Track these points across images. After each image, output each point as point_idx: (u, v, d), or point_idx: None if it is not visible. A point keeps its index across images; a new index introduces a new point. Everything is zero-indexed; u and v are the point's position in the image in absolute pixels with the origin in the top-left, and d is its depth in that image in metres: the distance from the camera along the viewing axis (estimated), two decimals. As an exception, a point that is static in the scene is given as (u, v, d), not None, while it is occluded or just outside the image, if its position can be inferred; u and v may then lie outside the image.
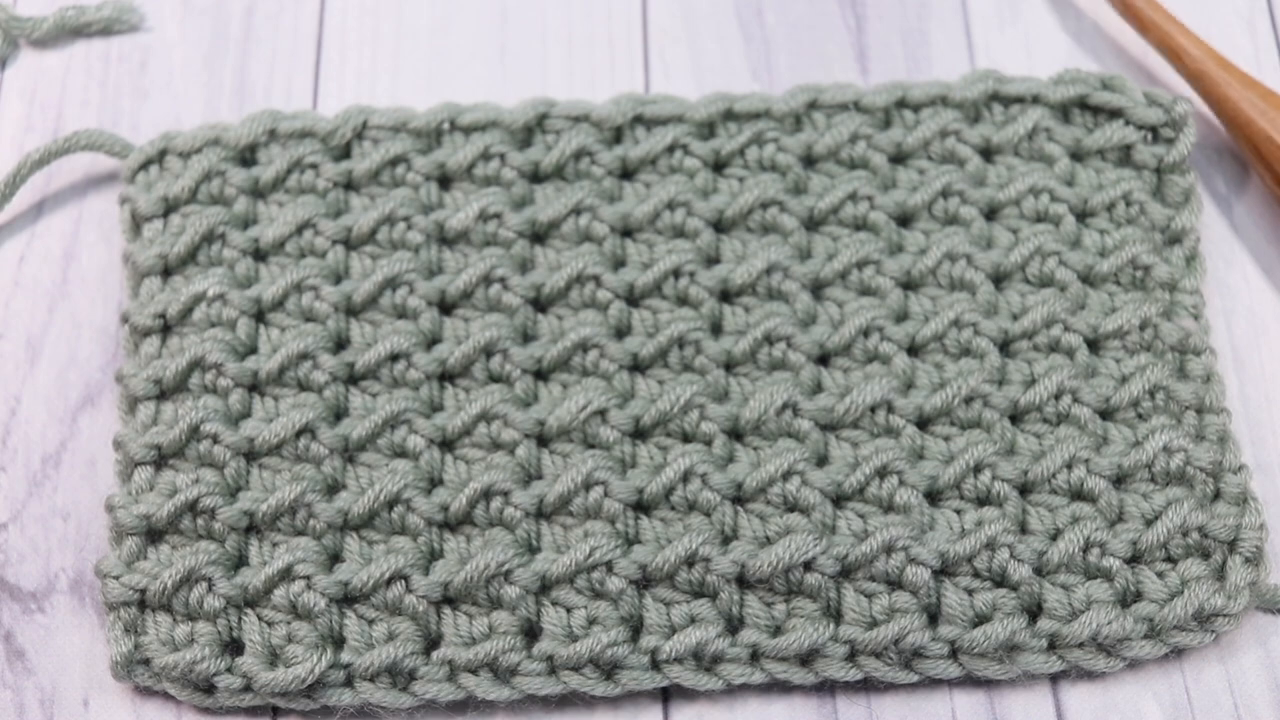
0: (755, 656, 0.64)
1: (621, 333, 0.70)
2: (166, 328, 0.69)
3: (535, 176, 0.73)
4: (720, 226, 0.72)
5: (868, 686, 0.65)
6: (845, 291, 0.71)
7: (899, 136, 0.74)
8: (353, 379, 0.69)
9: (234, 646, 0.65)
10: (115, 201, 0.75)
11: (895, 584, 0.65)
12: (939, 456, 0.67)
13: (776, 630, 0.64)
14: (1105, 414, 0.68)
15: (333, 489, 0.66)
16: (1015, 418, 0.68)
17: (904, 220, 0.72)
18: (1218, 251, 0.75)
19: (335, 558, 0.65)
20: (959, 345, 0.69)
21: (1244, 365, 0.72)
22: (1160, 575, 0.65)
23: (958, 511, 0.66)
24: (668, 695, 0.65)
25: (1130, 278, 0.71)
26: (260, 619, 0.64)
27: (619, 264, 0.71)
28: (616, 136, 0.74)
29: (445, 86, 0.79)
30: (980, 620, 0.64)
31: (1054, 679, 0.66)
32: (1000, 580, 0.65)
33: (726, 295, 0.71)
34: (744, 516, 0.66)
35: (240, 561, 0.65)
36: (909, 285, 0.71)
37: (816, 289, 0.71)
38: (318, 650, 0.64)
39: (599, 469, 0.66)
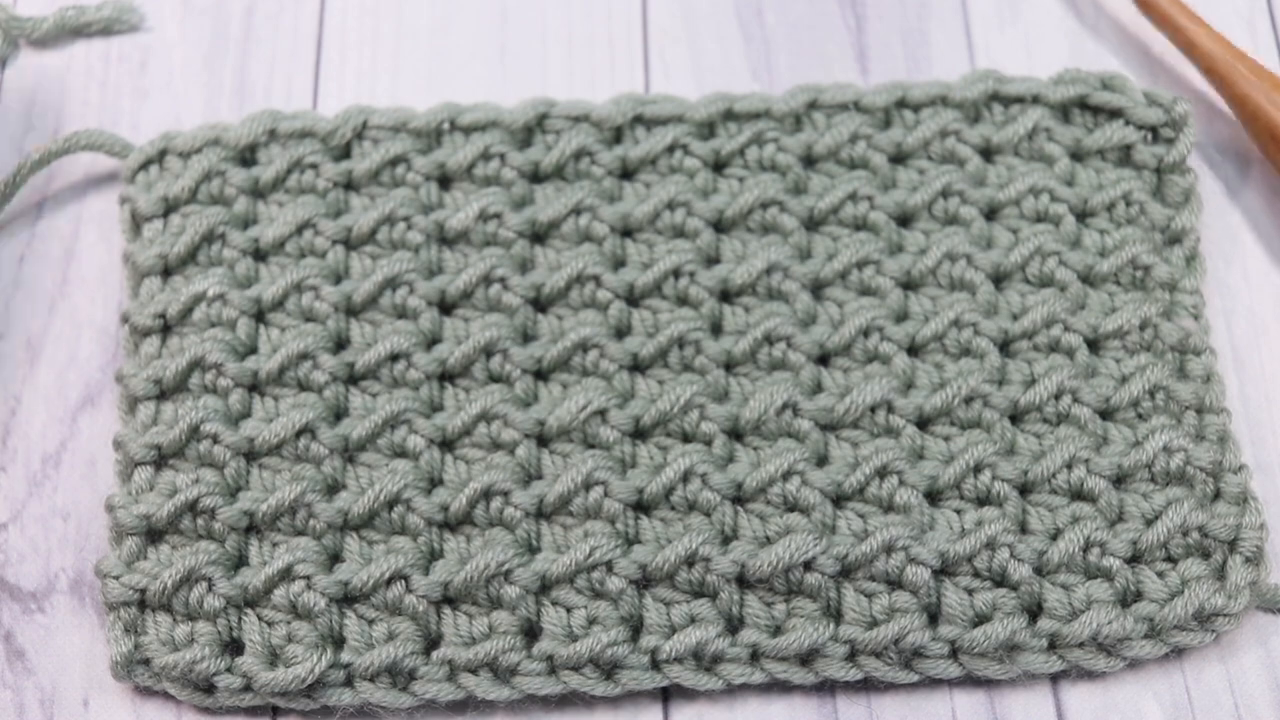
0: (755, 656, 0.64)
1: (621, 333, 0.70)
2: (166, 328, 0.69)
3: (535, 176, 0.73)
4: (720, 226, 0.72)
5: (868, 686, 0.65)
6: (845, 291, 0.71)
7: (899, 136, 0.74)
8: (353, 379, 0.69)
9: (234, 646, 0.65)
10: (115, 201, 0.75)
11: (895, 584, 0.64)
12: (939, 456, 0.67)
13: (776, 630, 0.64)
14: (1105, 414, 0.68)
15: (333, 489, 0.66)
16: (1015, 418, 0.68)
17: (904, 220, 0.72)
18: (1218, 251, 0.75)
19: (335, 558, 0.65)
20: (959, 345, 0.69)
21: (1244, 365, 0.72)
22: (1160, 575, 0.65)
23: (958, 511, 0.66)
24: (668, 695, 0.65)
25: (1130, 278, 0.71)
26: (260, 619, 0.64)
27: (619, 264, 0.71)
28: (616, 136, 0.74)
29: (445, 86, 0.79)
30: (980, 620, 0.64)
31: (1054, 679, 0.66)
32: (1000, 580, 0.65)
33: (726, 295, 0.71)
34: (744, 516, 0.66)
35: (240, 561, 0.65)
36: (909, 285, 0.71)
37: (816, 289, 0.71)
38: (318, 650, 0.64)
39: (599, 469, 0.66)
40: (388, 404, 0.67)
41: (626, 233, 0.72)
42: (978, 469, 0.66)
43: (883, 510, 0.66)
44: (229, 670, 0.64)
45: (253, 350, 0.69)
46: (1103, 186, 0.73)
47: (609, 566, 0.64)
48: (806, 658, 0.64)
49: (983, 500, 0.66)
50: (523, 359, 0.69)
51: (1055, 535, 0.65)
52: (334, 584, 0.64)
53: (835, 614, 0.64)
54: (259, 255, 0.71)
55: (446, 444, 0.67)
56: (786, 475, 0.66)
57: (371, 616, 0.65)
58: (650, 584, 0.65)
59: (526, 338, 0.70)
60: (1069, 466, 0.66)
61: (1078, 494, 0.66)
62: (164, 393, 0.68)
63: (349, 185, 0.73)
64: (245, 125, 0.73)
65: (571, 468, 0.66)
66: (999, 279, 0.71)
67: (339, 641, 0.64)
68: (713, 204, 0.72)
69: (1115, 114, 0.74)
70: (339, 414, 0.68)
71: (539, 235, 0.72)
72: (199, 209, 0.72)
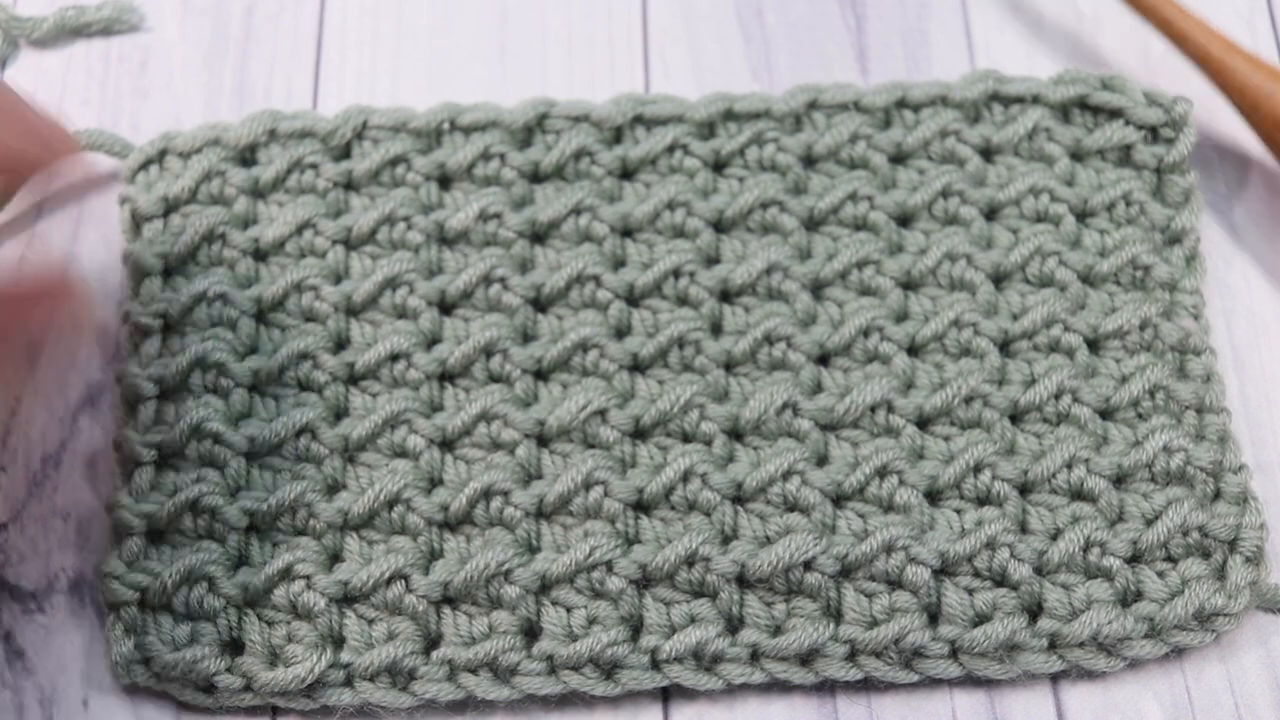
0: (755, 656, 0.64)
1: (621, 333, 0.70)
2: (167, 327, 0.69)
3: (535, 176, 0.73)
4: (720, 226, 0.72)
5: (868, 686, 0.65)
6: (845, 291, 0.71)
7: (899, 136, 0.74)
8: (353, 379, 0.69)
9: (234, 646, 0.65)
10: (115, 201, 0.75)
11: (895, 584, 0.65)
12: (939, 456, 0.67)
13: (776, 630, 0.64)
14: (1105, 414, 0.68)
15: (333, 489, 0.66)
16: (1015, 418, 0.68)
17: (904, 220, 0.72)
18: (1218, 251, 0.75)
19: (335, 557, 0.65)
20: (959, 345, 0.69)
21: (1244, 365, 0.72)
22: (1161, 575, 0.65)
23: (958, 511, 0.66)
24: (668, 695, 0.65)
25: (1130, 278, 0.71)
26: (260, 619, 0.64)
27: (619, 264, 0.71)
28: (616, 136, 0.74)
29: (445, 86, 0.79)
30: (980, 620, 0.64)
31: (1054, 679, 0.66)
32: (1000, 580, 0.65)
33: (726, 295, 0.71)
34: (744, 516, 0.66)
35: (241, 561, 0.65)
36: (909, 285, 0.71)
37: (816, 289, 0.71)
38: (318, 650, 0.64)
39: (599, 469, 0.66)
40: (388, 404, 0.67)
41: (626, 233, 0.72)
42: (978, 469, 0.66)
43: (883, 510, 0.66)
44: (229, 670, 0.64)
45: (253, 350, 0.69)
46: (1103, 186, 0.73)
47: (609, 566, 0.64)
48: (806, 658, 0.64)
49: (983, 500, 0.66)
50: (523, 359, 0.69)
51: (1055, 535, 0.65)
52: (334, 584, 0.64)
53: (835, 614, 0.64)
54: (259, 255, 0.71)
55: (446, 444, 0.67)
56: (786, 475, 0.66)
57: (371, 616, 0.65)
58: (650, 584, 0.65)
59: (526, 338, 0.70)
60: (1069, 466, 0.66)
61: (1078, 494, 0.66)
62: (165, 392, 0.68)
63: (349, 185, 0.73)
64: (245, 125, 0.73)
65: (571, 468, 0.66)
66: (999, 279, 0.71)
67: (339, 641, 0.64)
68: (713, 204, 0.72)
69: (1115, 114, 0.74)
70: (339, 414, 0.68)
71: (539, 235, 0.72)
72: (199, 209, 0.72)
